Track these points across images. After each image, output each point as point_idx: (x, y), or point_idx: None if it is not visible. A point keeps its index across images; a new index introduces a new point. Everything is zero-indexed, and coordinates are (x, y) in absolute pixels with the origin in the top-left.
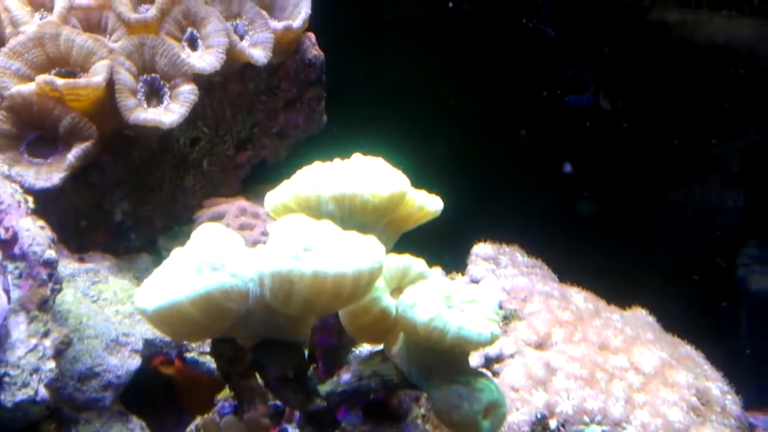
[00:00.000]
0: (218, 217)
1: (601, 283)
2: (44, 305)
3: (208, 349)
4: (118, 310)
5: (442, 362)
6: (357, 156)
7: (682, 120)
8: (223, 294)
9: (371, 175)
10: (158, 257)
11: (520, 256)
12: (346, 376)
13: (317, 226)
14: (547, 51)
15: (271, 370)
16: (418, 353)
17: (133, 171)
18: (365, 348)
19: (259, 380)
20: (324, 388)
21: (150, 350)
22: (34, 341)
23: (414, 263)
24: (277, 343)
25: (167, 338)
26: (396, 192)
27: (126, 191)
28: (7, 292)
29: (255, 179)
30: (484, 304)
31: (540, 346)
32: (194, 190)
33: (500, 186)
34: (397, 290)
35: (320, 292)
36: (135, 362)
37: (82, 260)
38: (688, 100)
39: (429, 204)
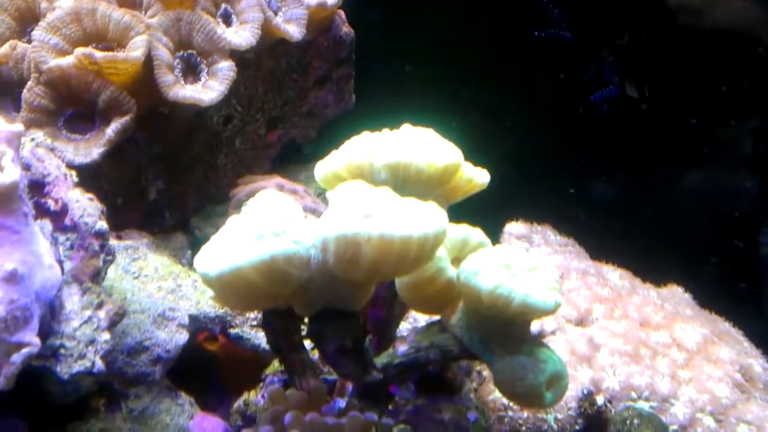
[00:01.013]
0: (254, 194)
1: (621, 265)
2: (97, 277)
3: (252, 326)
4: (161, 286)
5: (504, 332)
6: (407, 126)
7: (703, 101)
8: (286, 260)
9: (425, 145)
10: (192, 237)
11: (552, 235)
12: (402, 347)
13: (377, 192)
14: (567, 53)
15: (330, 341)
16: (479, 322)
17: (168, 149)
18: (412, 323)
19: (311, 355)
20: (380, 361)
21: (194, 326)
22: (88, 313)
23: (473, 233)
24: (336, 312)
25: (211, 314)
26: (451, 163)
27: (160, 169)
28: (60, 263)
29: (283, 160)
30: (545, 272)
31: (581, 322)
32: (226, 170)
33: (526, 168)
34: (456, 260)
35: (387, 255)
36: (183, 337)
37: (120, 237)
38: (709, 81)
39: (477, 176)
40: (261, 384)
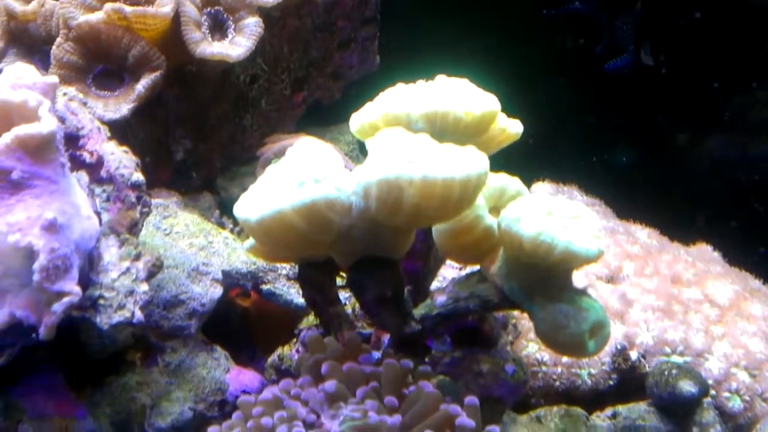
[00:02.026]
0: (283, 152)
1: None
2: (134, 228)
3: (284, 282)
4: (192, 242)
5: (546, 280)
6: (441, 77)
7: (721, 65)
8: (328, 204)
9: (462, 94)
10: (218, 197)
11: (579, 195)
12: (441, 298)
13: (417, 138)
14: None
15: (369, 290)
16: (520, 271)
17: (195, 107)
18: (441, 282)
19: (348, 309)
20: (418, 312)
21: (226, 282)
22: (126, 264)
23: (511, 182)
24: (376, 261)
25: (243, 270)
26: (488, 111)
27: (188, 128)
28: (97, 214)
29: (307, 121)
30: (588, 219)
31: (611, 279)
32: (252, 130)
33: (551, 132)
34: (494, 209)
35: (429, 198)
36: (217, 291)
37: (149, 195)
38: (727, 43)
39: (510, 126)
40: (295, 339)
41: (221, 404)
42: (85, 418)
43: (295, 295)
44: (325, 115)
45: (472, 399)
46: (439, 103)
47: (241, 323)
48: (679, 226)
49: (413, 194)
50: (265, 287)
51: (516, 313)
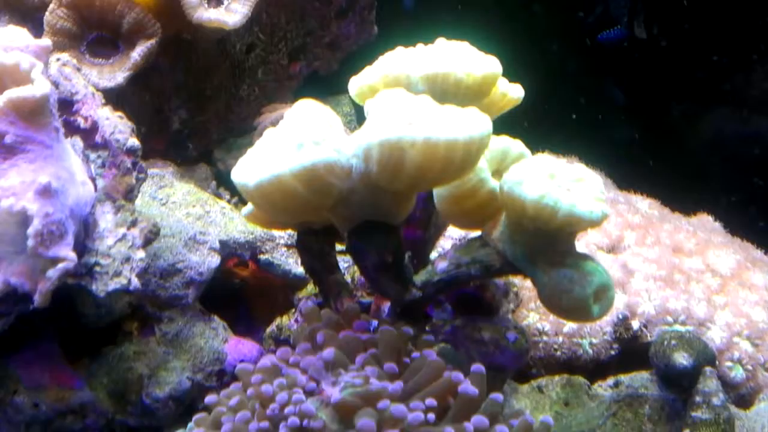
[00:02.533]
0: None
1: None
2: (130, 194)
3: (282, 252)
4: (189, 212)
5: (549, 244)
6: (441, 40)
7: (720, 37)
8: (327, 168)
9: (463, 56)
10: (215, 168)
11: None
12: (442, 264)
13: (418, 99)
14: None
15: (369, 255)
16: (523, 235)
17: (191, 77)
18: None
19: (347, 278)
20: (418, 279)
21: (223, 252)
22: (122, 230)
23: (513, 144)
24: (376, 226)
25: (241, 239)
26: (489, 73)
27: (184, 98)
28: (92, 180)
29: (304, 93)
30: (591, 182)
31: (612, 249)
32: (248, 100)
33: (551, 104)
34: (496, 172)
35: (432, 161)
36: (215, 260)
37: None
38: (725, 16)
39: (511, 91)
40: (293, 309)
41: (219, 374)
42: (81, 388)
43: (293, 265)
44: (322, 86)
45: (478, 366)
46: (440, 65)
47: (239, 294)
48: (679, 200)
49: (415, 156)
50: (263, 257)
51: (517, 281)
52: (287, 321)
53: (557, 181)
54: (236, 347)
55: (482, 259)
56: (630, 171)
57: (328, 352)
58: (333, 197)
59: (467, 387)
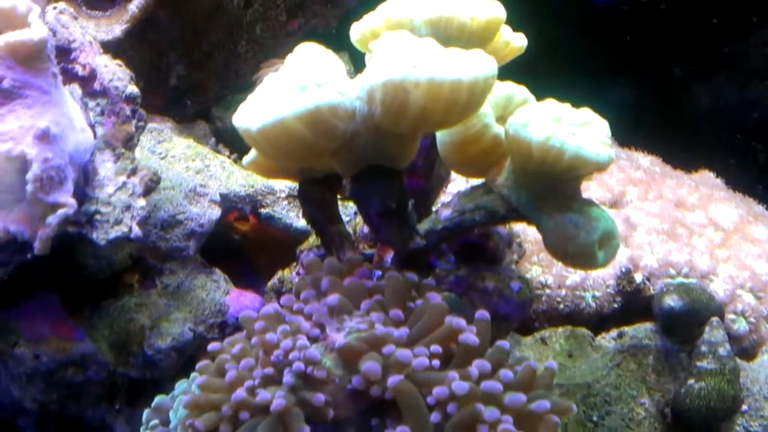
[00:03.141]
0: None
1: None
2: (130, 142)
3: (283, 206)
4: (188, 166)
5: (554, 189)
6: None
7: (720, 3)
8: (331, 110)
9: (466, 0)
10: (213, 126)
11: None
12: (446, 212)
13: (422, 41)
14: None
15: (373, 201)
16: (528, 180)
17: (189, 32)
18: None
19: (349, 230)
20: (422, 227)
21: (224, 205)
22: (122, 178)
23: (517, 90)
24: (380, 170)
25: (242, 193)
26: (493, 17)
27: (181, 54)
28: (91, 127)
29: None
30: (597, 126)
31: (615, 204)
32: (246, 57)
33: (549, 67)
34: (500, 119)
35: (436, 102)
36: (215, 212)
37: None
38: None
39: (514, 40)
40: (295, 262)
41: (221, 326)
42: (83, 340)
43: (294, 218)
44: (320, 44)
45: (482, 313)
46: (444, 9)
47: (240, 249)
48: (679, 162)
49: (419, 97)
50: (263, 211)
51: (521, 232)
52: (289, 274)
53: (563, 124)
54: (238, 299)
55: (486, 205)
56: (630, 135)
57: (333, 298)
58: (337, 140)
59: (468, 336)
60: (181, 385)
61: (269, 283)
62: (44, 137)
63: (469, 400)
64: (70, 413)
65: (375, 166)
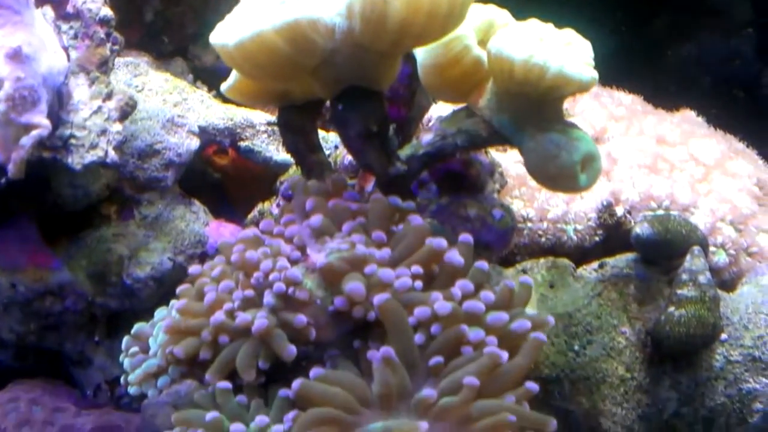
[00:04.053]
0: None
1: None
2: (104, 66)
3: (263, 139)
4: (166, 99)
5: (536, 110)
6: None
7: None
8: (310, 24)
9: None
10: (191, 64)
11: None
12: (427, 137)
13: None
14: None
15: (354, 123)
16: (510, 101)
17: None
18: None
19: (332, 162)
20: (403, 153)
21: (203, 138)
22: (97, 102)
23: (499, 14)
24: (361, 92)
25: (220, 125)
26: None
27: None
28: (65, 50)
29: None
30: (581, 47)
31: (597, 140)
32: None
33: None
34: (482, 43)
35: (416, 13)
36: (194, 142)
37: (119, 54)
38: None
39: None
40: (275, 195)
41: (201, 257)
42: (60, 269)
43: (274, 151)
44: None
45: (466, 236)
46: None
47: (218, 185)
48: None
49: (398, 9)
50: (243, 144)
51: (503, 162)
52: (269, 206)
53: (546, 44)
54: (218, 230)
55: (468, 128)
56: (611, 80)
57: (315, 219)
58: (317, 57)
59: (453, 255)
60: (160, 312)
61: (249, 216)
62: (16, 56)
63: (451, 321)
64: (49, 345)
65: (356, 87)
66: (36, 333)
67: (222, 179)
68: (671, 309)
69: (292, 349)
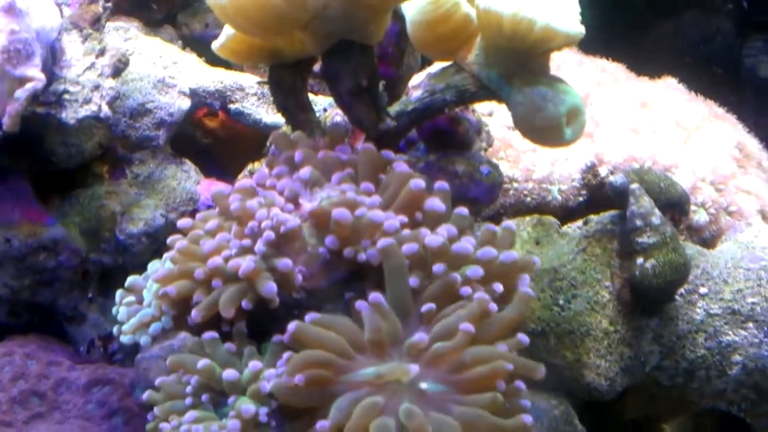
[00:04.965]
0: None
1: None
2: (97, 23)
3: (253, 102)
4: (156, 62)
5: (524, 64)
6: None
7: None
8: None
9: None
10: (180, 32)
11: None
12: (416, 93)
13: None
14: None
15: (344, 79)
16: (498, 56)
17: None
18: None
19: (324, 124)
20: (393, 109)
21: (193, 101)
22: (91, 59)
23: None
24: (351, 46)
25: (211, 88)
26: None
27: None
28: (58, 6)
29: None
30: (567, 1)
31: None
32: None
33: None
34: (470, 1)
35: None
36: (185, 102)
37: (108, 19)
38: None
39: None
40: (265, 157)
41: (193, 214)
42: (54, 225)
43: (264, 114)
44: None
45: (441, 184)
46: None
47: (209, 148)
48: None
49: None
50: (233, 106)
51: (488, 118)
52: (259, 166)
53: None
54: (209, 188)
55: (457, 84)
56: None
57: (305, 171)
58: (309, 11)
59: (433, 202)
60: (153, 265)
61: (240, 176)
62: (10, 10)
63: (442, 255)
64: (43, 301)
65: (347, 42)
66: (30, 288)
67: (212, 141)
68: (640, 260)
69: (271, 286)
